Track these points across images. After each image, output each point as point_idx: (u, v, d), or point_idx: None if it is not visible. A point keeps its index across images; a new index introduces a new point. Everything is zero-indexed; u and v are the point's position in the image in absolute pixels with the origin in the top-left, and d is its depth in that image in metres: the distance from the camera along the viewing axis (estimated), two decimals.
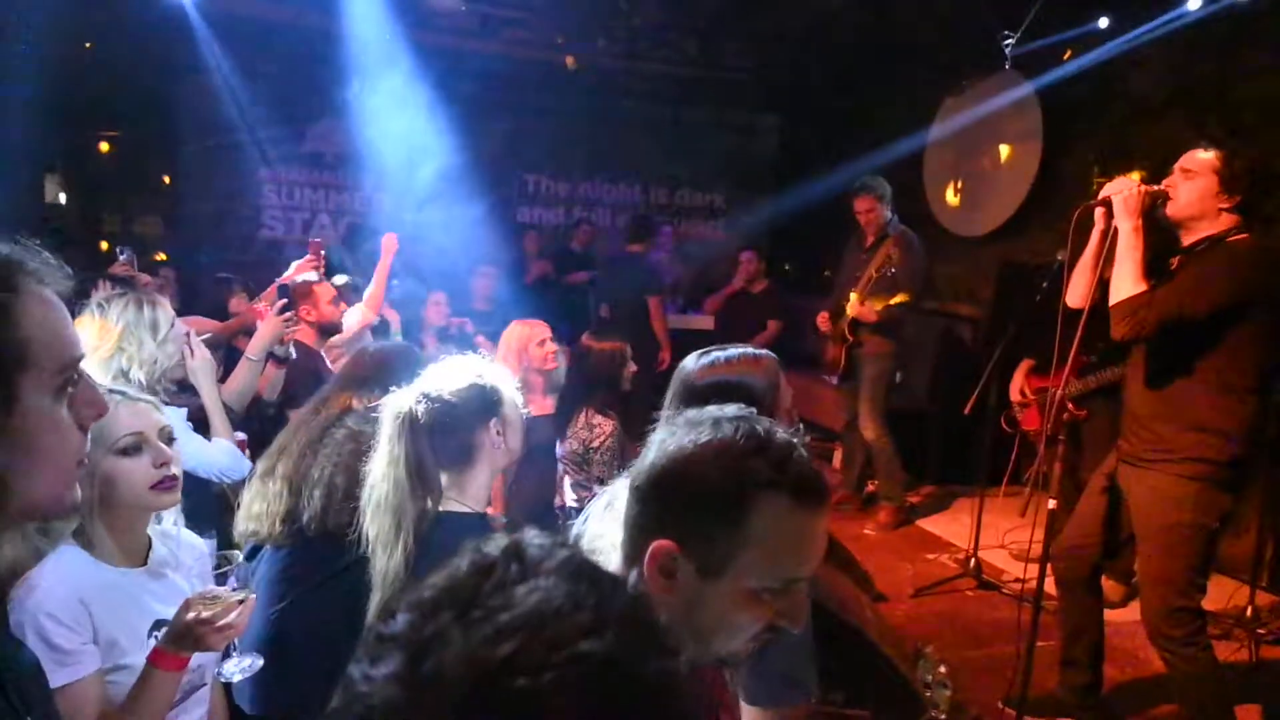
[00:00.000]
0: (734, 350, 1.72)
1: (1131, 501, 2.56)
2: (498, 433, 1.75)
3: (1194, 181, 2.43)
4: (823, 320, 4.88)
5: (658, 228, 6.83)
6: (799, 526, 0.95)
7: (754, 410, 1.29)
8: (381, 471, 1.66)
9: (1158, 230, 2.50)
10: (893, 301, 4.49)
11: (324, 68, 6.47)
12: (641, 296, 5.59)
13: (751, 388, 1.64)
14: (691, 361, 1.70)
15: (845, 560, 3.48)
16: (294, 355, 3.35)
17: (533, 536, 0.59)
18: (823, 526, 0.98)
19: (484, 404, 1.74)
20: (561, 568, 0.55)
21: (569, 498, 3.42)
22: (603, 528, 1.26)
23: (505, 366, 3.74)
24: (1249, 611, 3.58)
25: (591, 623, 0.51)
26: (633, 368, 3.55)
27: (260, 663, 1.70)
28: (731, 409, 1.02)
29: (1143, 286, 2.36)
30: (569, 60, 6.89)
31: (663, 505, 0.98)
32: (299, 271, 3.81)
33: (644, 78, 7.72)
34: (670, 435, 1.00)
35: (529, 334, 3.67)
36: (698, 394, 1.60)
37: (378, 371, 2.26)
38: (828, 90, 7.77)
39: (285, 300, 3.28)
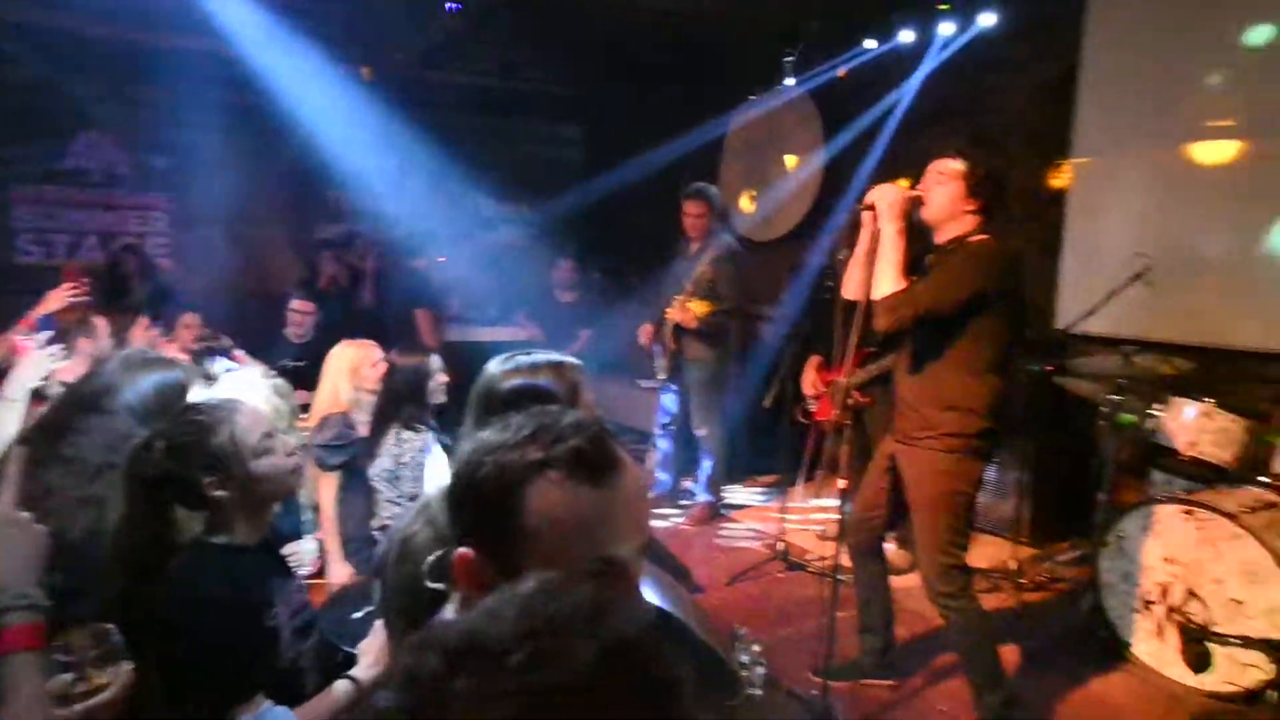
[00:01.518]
0: (539, 356, 1.74)
1: (905, 476, 2.84)
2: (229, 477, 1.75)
3: (944, 187, 2.73)
4: (646, 334, 5.00)
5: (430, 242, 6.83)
6: (584, 504, 0.91)
7: None
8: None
9: (917, 231, 2.80)
10: (711, 309, 4.66)
11: (82, 77, 5.94)
12: (410, 309, 5.64)
13: (550, 392, 1.66)
14: (494, 366, 1.71)
15: (662, 555, 3.62)
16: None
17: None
18: (622, 499, 0.94)
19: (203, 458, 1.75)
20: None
21: (385, 516, 3.36)
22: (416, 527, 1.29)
23: (337, 387, 3.64)
24: (1012, 565, 4.05)
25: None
26: (442, 378, 3.53)
27: None
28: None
29: (902, 283, 2.63)
30: (365, 71, 6.71)
31: (456, 513, 0.97)
32: (54, 301, 3.49)
33: (444, 88, 7.65)
34: (468, 443, 1.00)
35: (360, 355, 3.59)
36: (499, 400, 1.62)
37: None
38: (628, 101, 8.01)
39: (51, 333, 3.01)
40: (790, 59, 6.22)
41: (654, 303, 5.12)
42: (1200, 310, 4.49)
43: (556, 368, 1.73)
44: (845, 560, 2.99)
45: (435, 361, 3.54)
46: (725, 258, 4.75)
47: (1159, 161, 4.74)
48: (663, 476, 5.31)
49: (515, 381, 1.67)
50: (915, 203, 2.73)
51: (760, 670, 3.13)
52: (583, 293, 6.73)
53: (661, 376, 5.03)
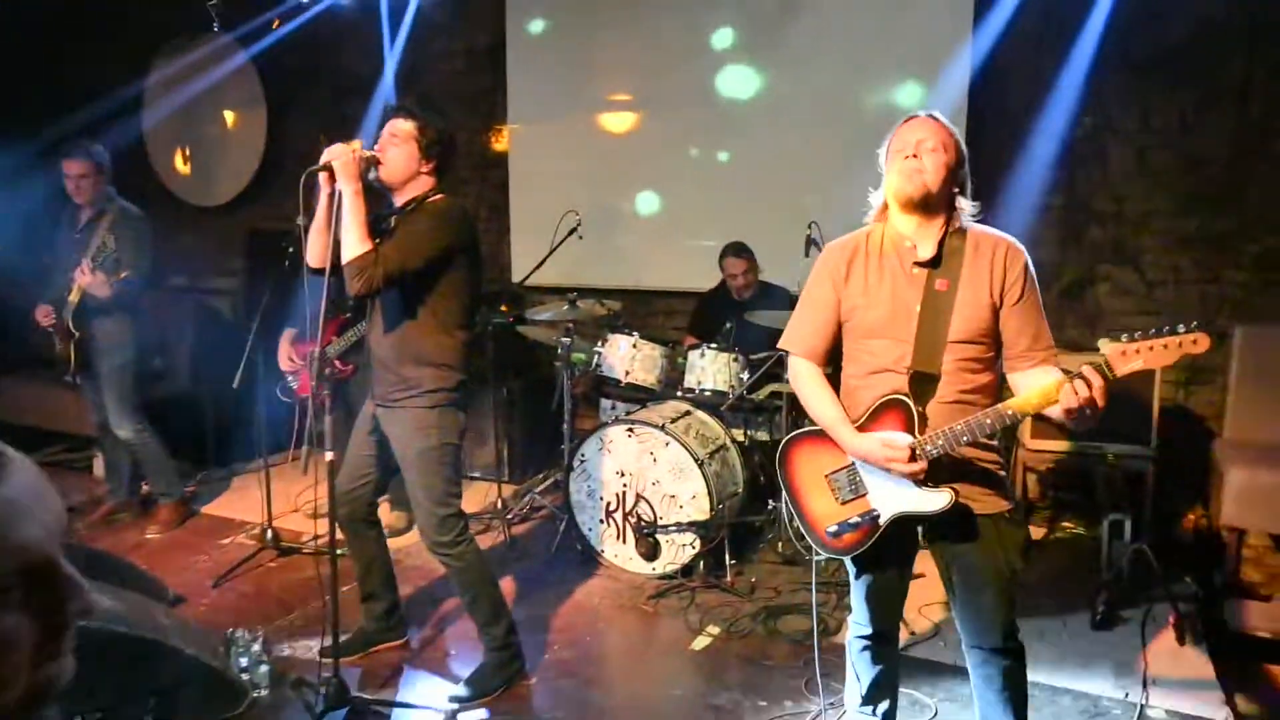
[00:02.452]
0: None
1: (391, 438, 2.87)
2: None
3: (399, 148, 2.75)
4: (44, 314, 4.13)
5: None
6: None
7: None
8: None
9: (375, 191, 2.78)
10: (121, 276, 4.01)
11: None
12: None
13: None
14: None
15: (127, 575, 3.13)
16: None
17: None
18: (18, 495, 0.72)
19: None
20: None
21: None
22: None
23: None
24: (498, 504, 4.38)
25: None
26: None
27: None
28: None
29: (369, 245, 2.61)
30: None
31: None
32: None
33: None
34: None
35: None
36: None
37: None
38: (20, 47, 6.47)
39: None
40: (213, 4, 5.63)
41: (44, 281, 4.24)
42: (622, 258, 5.29)
43: None
44: (339, 532, 2.92)
45: None
46: (124, 221, 4.13)
47: (578, 128, 5.41)
48: (115, 485, 4.56)
49: None
50: (371, 163, 2.71)
51: (264, 669, 2.95)
52: None
53: (71, 370, 4.21)
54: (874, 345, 2.11)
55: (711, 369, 4.11)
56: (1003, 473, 2.14)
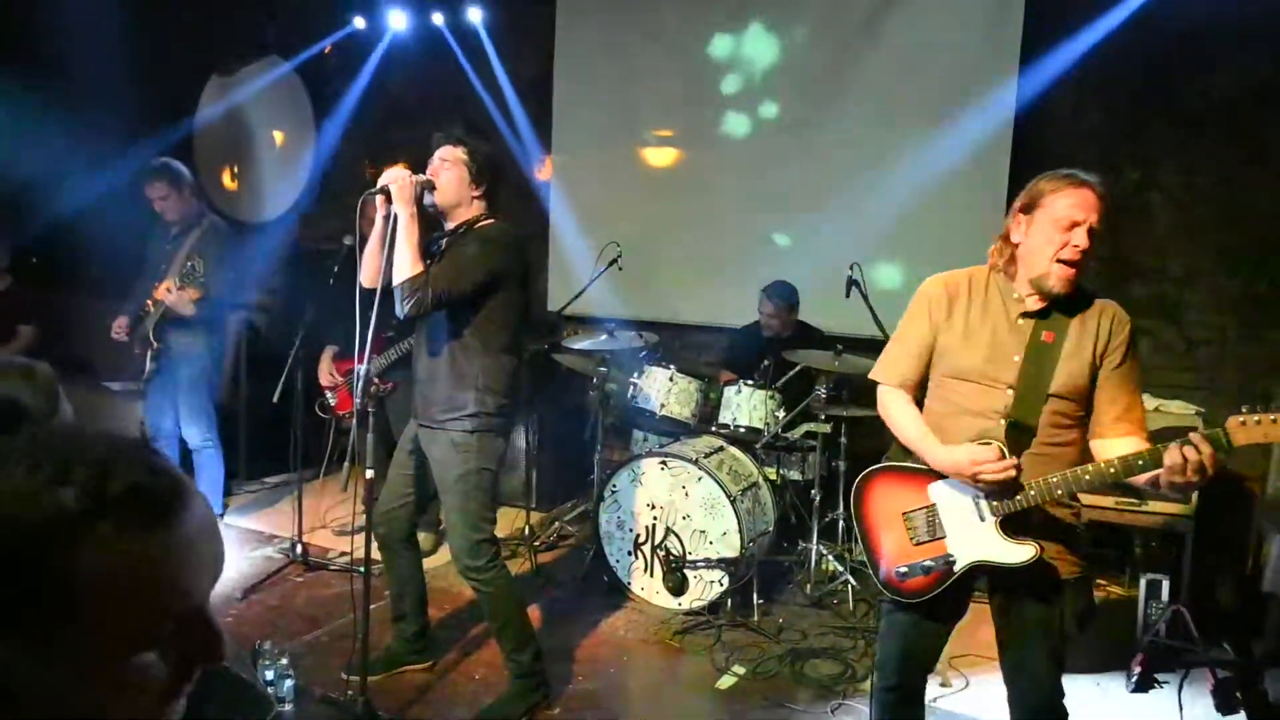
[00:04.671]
0: None
1: (431, 460, 2.89)
2: None
3: (451, 173, 2.81)
4: (119, 327, 4.26)
5: None
6: (152, 556, 0.70)
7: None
8: None
9: (430, 216, 2.84)
10: (199, 296, 4.12)
11: None
12: None
13: (18, 404, 1.34)
14: None
15: None
16: None
17: None
18: (194, 532, 0.74)
19: None
20: None
21: None
22: None
23: None
24: (526, 531, 4.38)
25: None
26: None
27: None
28: (13, 443, 0.73)
29: (420, 267, 2.67)
30: None
31: None
32: None
33: None
34: None
35: None
36: None
37: None
38: (72, 57, 6.69)
39: None
40: (271, 27, 5.81)
41: (124, 293, 4.42)
42: (661, 292, 5.33)
43: (26, 373, 1.40)
44: (375, 553, 2.94)
45: None
46: (211, 238, 4.27)
47: (621, 161, 5.49)
48: None
49: None
50: (426, 187, 2.77)
51: (289, 683, 2.96)
52: (15, 281, 5.46)
53: (144, 377, 4.37)
54: (961, 388, 2.09)
55: (747, 405, 4.11)
56: (1080, 530, 2.12)
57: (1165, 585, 3.49)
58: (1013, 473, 1.96)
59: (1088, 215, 1.95)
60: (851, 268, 3.91)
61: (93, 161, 5.23)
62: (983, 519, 2.04)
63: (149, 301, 4.22)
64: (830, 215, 4.90)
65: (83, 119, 5.58)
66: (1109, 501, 3.98)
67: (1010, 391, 2.01)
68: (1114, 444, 2.02)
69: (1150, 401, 1.86)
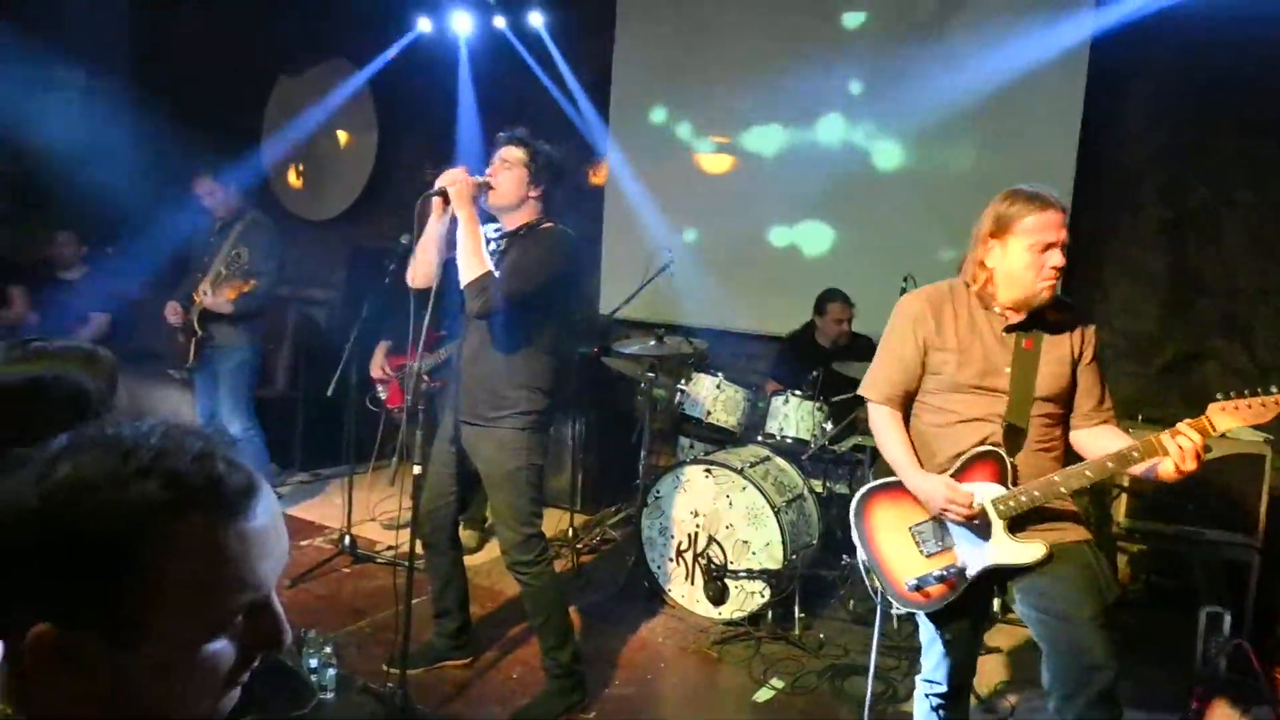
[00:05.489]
0: (61, 342, 1.44)
1: (478, 456, 2.92)
2: None
3: (510, 173, 2.84)
4: (173, 311, 4.41)
5: None
6: (232, 546, 0.73)
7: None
8: None
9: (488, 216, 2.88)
10: (245, 289, 4.26)
11: None
12: None
13: (81, 388, 1.37)
14: None
15: None
16: None
17: None
18: (266, 526, 0.77)
19: None
20: None
21: None
22: None
23: None
24: (570, 532, 4.40)
25: None
26: None
27: None
28: (86, 432, 0.76)
29: (486, 267, 2.70)
30: None
31: (18, 578, 0.70)
32: None
33: None
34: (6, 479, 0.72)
35: None
36: (6, 395, 1.32)
37: None
38: (147, 52, 6.95)
39: None
40: (336, 27, 5.95)
41: (178, 280, 4.58)
42: (710, 298, 5.31)
43: (89, 358, 1.44)
44: (418, 546, 2.98)
45: None
46: (255, 231, 4.42)
47: (675, 166, 5.48)
48: None
49: (32, 373, 1.35)
50: (483, 188, 2.80)
51: (331, 672, 3.01)
52: (92, 270, 5.69)
53: (180, 376, 4.53)
54: (959, 399, 2.16)
55: (794, 416, 4.08)
56: (1082, 515, 2.21)
57: (1227, 619, 3.36)
58: (976, 515, 2.06)
59: (1059, 234, 2.06)
60: (906, 279, 3.84)
61: (164, 159, 5.42)
62: (989, 523, 2.11)
63: (195, 293, 4.36)
64: (884, 224, 4.83)
65: (163, 121, 5.81)
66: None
67: (1005, 396, 2.12)
68: (1092, 433, 2.16)
69: (1219, 419, 1.89)
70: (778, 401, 4.16)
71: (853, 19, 4.95)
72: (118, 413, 1.48)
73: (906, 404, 2.26)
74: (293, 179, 6.88)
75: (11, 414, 1.35)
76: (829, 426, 4.03)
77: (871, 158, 4.91)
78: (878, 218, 4.86)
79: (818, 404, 4.06)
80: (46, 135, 5.92)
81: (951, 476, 2.11)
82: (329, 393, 4.05)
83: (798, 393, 4.11)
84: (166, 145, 5.60)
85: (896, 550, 2.20)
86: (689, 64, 5.39)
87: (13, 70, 5.48)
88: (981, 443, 2.10)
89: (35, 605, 0.69)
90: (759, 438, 4.12)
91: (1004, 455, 2.08)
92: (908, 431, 2.24)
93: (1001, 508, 2.09)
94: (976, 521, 2.08)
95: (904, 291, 3.82)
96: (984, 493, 2.10)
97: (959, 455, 2.13)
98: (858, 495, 2.31)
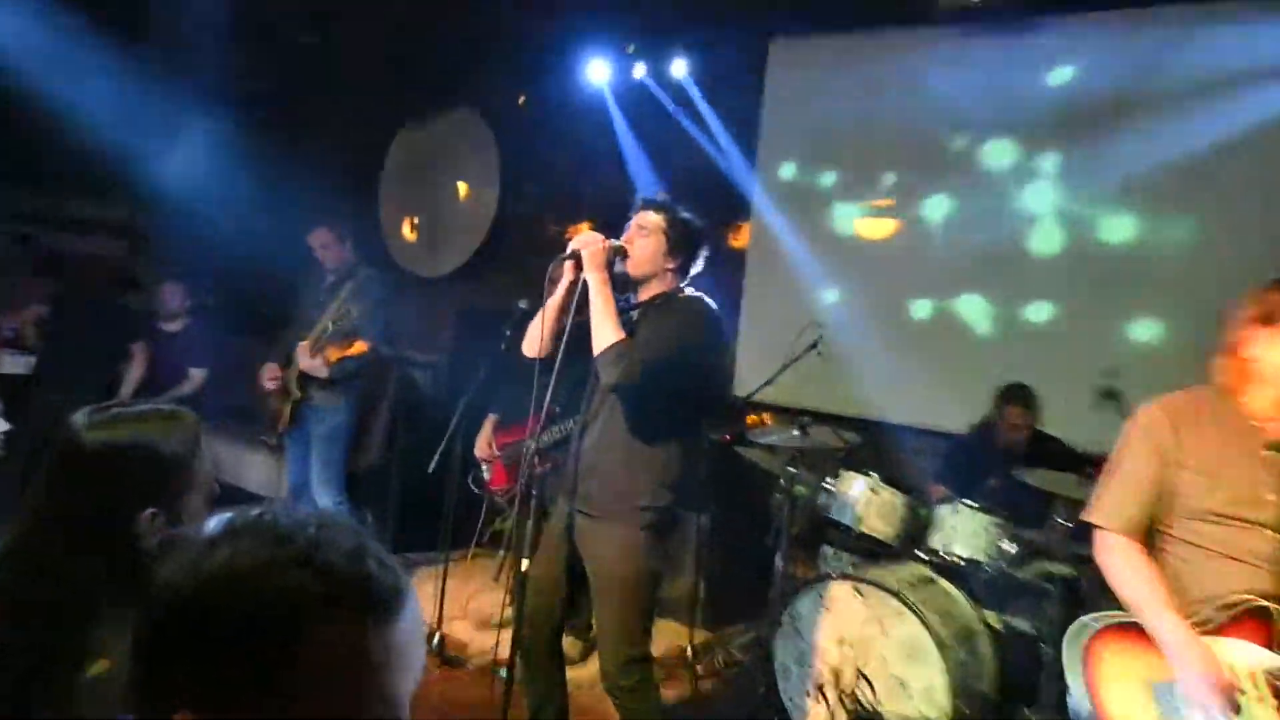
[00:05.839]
0: (143, 405, 1.57)
1: (589, 554, 2.82)
2: None
3: (647, 240, 2.82)
4: (271, 375, 4.58)
5: None
6: (377, 647, 0.77)
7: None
8: None
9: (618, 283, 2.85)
10: (349, 353, 4.37)
11: None
12: None
13: (158, 452, 1.49)
14: (81, 418, 1.48)
15: None
16: None
17: None
18: (410, 630, 0.81)
19: None
20: None
21: None
22: None
23: None
24: (689, 652, 4.22)
25: None
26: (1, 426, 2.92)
27: None
28: (242, 517, 0.83)
29: (622, 334, 2.66)
30: None
31: (163, 664, 0.77)
32: None
33: None
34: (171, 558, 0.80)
35: None
36: (83, 464, 1.44)
37: None
38: (269, 103, 7.45)
39: None
40: (463, 77, 6.20)
41: (281, 339, 4.75)
42: (866, 383, 5.10)
43: (170, 419, 1.54)
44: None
45: None
46: (365, 291, 4.53)
47: (826, 231, 5.38)
48: None
49: (112, 438, 1.46)
50: (618, 253, 2.78)
51: None
52: (193, 322, 6.00)
53: (280, 429, 4.65)
54: (1207, 530, 2.01)
55: (964, 530, 3.80)
56: None
57: None
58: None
59: None
60: (1106, 375, 3.58)
61: (279, 208, 5.72)
62: (1260, 689, 1.88)
63: (295, 351, 4.50)
64: (1081, 304, 4.55)
65: (279, 168, 6.17)
66: None
67: (1272, 534, 1.95)
68: None
69: None
70: (944, 510, 3.90)
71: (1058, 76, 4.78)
72: (203, 476, 1.58)
73: (1144, 535, 2.08)
74: (407, 231, 7.14)
75: (90, 481, 1.48)
76: (1008, 547, 3.74)
77: (1061, 223, 4.67)
78: (1074, 295, 4.59)
79: (994, 518, 3.78)
80: (163, 182, 6.38)
81: (1207, 632, 1.91)
82: (429, 469, 4.05)
83: (970, 503, 3.84)
84: (282, 194, 5.92)
85: (1129, 709, 1.99)
86: (845, 115, 5.27)
87: (135, 116, 5.95)
88: (1248, 590, 1.91)
89: (184, 697, 0.75)
90: (921, 553, 3.87)
91: (1274, 613, 1.87)
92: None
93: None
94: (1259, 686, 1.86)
95: (1109, 391, 3.57)
96: (1247, 658, 1.87)
97: (1214, 603, 1.94)
98: (1079, 630, 2.11)
